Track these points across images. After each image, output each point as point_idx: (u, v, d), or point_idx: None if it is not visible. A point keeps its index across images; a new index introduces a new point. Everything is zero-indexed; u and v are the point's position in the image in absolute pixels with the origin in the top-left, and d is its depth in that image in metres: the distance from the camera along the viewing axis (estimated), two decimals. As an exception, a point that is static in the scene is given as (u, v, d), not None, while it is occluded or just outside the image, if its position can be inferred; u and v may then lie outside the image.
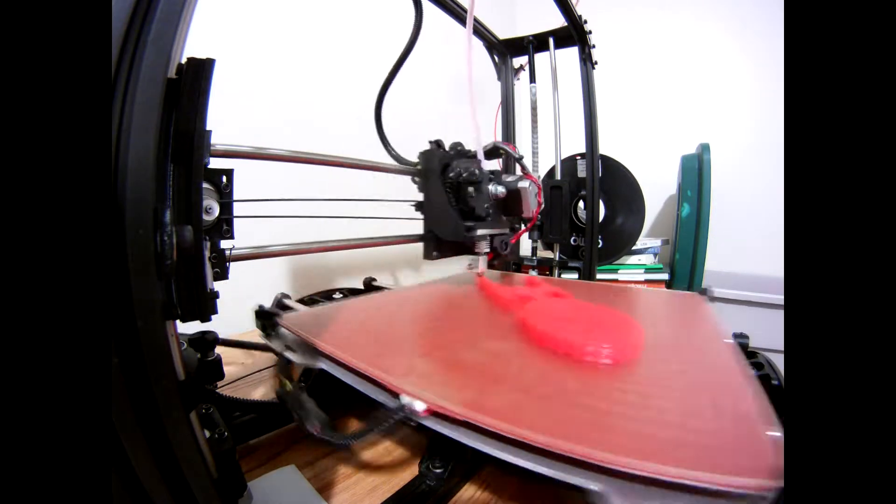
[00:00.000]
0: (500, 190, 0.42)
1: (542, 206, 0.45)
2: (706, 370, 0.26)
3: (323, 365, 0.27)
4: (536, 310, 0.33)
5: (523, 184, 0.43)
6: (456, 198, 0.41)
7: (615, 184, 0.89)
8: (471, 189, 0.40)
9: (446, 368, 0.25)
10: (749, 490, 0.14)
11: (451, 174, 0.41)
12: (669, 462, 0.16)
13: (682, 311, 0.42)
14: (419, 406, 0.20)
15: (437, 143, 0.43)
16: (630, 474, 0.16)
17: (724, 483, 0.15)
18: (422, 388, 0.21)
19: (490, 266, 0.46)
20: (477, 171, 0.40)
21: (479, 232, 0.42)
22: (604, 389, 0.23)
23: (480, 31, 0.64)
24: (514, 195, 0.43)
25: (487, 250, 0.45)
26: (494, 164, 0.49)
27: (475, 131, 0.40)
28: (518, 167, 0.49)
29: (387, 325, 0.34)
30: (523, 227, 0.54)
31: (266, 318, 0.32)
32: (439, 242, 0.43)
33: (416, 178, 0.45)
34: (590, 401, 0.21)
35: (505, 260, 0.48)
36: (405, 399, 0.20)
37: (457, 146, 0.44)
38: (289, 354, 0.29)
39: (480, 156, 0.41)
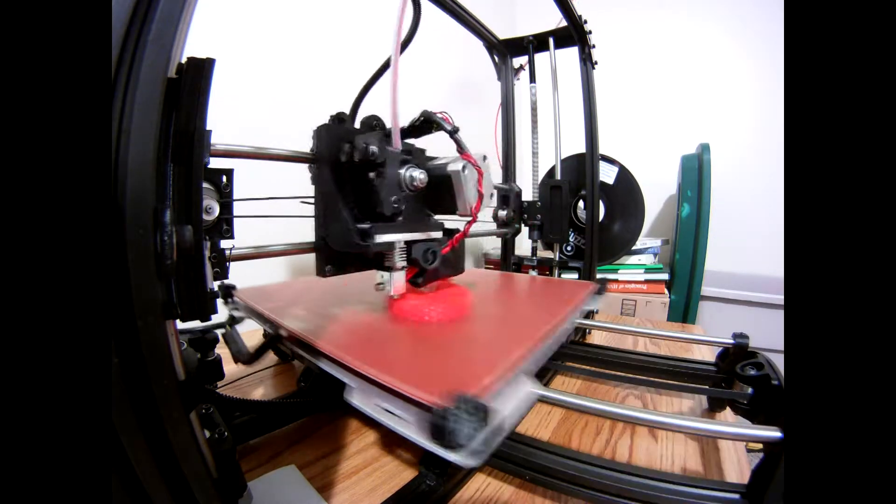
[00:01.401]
0: (419, 176, 0.29)
1: (483, 196, 0.31)
2: (500, 334, 0.33)
3: (251, 317, 0.39)
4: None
5: (454, 166, 0.30)
6: (354, 190, 0.29)
7: (619, 193, 0.89)
8: (371, 175, 0.28)
9: (314, 316, 0.36)
10: (423, 400, 0.20)
11: (342, 157, 0.28)
12: (393, 375, 0.22)
13: (555, 293, 0.48)
14: (283, 332, 0.31)
15: (339, 118, 0.31)
16: (368, 378, 0.23)
17: (411, 392, 0.20)
18: (291, 324, 0.32)
19: (414, 284, 0.34)
20: (375, 149, 0.27)
21: (383, 238, 0.28)
22: (403, 334, 0.31)
23: (480, 30, 0.64)
24: (443, 182, 0.30)
25: (404, 264, 0.31)
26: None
27: (392, 94, 0.27)
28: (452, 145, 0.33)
29: (302, 296, 0.45)
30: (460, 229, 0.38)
31: (225, 290, 0.42)
32: (332, 253, 0.30)
33: (311, 167, 0.32)
34: (384, 337, 0.31)
35: (434, 275, 0.34)
36: (281, 330, 0.31)
37: (371, 120, 0.32)
38: (233, 312, 0.42)
39: (395, 130, 0.28)
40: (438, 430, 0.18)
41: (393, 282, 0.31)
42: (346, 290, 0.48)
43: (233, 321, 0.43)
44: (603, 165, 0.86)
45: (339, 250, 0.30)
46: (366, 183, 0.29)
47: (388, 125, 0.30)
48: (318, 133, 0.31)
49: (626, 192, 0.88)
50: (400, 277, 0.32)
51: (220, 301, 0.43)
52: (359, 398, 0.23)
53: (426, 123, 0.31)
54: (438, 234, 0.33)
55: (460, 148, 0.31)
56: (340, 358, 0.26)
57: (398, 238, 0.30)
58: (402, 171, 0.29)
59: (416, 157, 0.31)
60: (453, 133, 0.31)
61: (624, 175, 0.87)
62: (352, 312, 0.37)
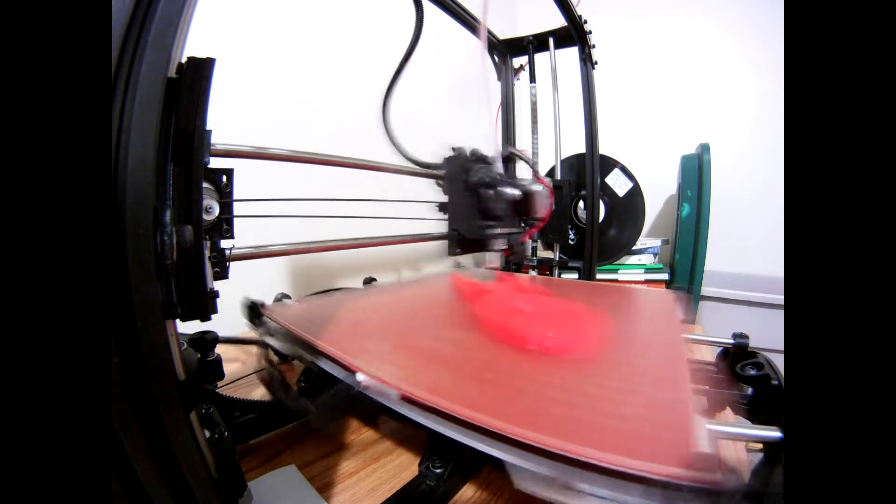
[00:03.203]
0: (516, 193, 0.45)
1: (553, 207, 0.51)
2: (648, 366, 0.26)
3: (298, 348, 0.31)
4: (488, 302, 0.37)
5: (536, 187, 0.47)
6: (476, 200, 0.45)
7: (623, 204, 0.90)
8: (490, 192, 0.43)
9: (394, 350, 0.28)
10: (656, 475, 0.15)
11: (474, 178, 0.44)
12: (575, 441, 0.16)
13: (651, 306, 0.45)
14: (365, 381, 0.23)
15: (459, 150, 0.47)
16: (533, 447, 0.17)
17: (632, 466, 0.15)
18: (371, 365, 0.24)
19: (506, 260, 0.51)
20: (497, 176, 0.44)
21: (497, 230, 0.46)
22: (544, 375, 0.24)
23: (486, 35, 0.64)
24: (528, 197, 0.47)
25: (504, 247, 0.49)
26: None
27: (496, 140, 0.45)
28: (529, 171, 0.54)
29: (356, 315, 0.37)
30: (532, 227, 0.58)
31: (253, 309, 0.36)
32: (462, 240, 0.47)
33: (440, 182, 0.50)
34: (509, 380, 0.24)
35: (519, 256, 0.55)
36: (360, 377, 0.23)
37: (475, 152, 0.48)
38: (268, 340, 0.34)
39: (499, 161, 0.45)
40: None
41: (496, 259, 0.53)
42: (398, 309, 0.42)
43: (268, 351, 0.35)
44: (619, 176, 0.87)
45: (470, 237, 0.46)
46: (485, 195, 0.44)
47: (486, 154, 0.47)
48: (450, 161, 0.47)
49: (630, 206, 0.89)
50: (500, 256, 0.52)
51: (247, 325, 0.36)
52: (535, 482, 0.16)
53: (510, 156, 0.53)
54: (519, 229, 0.51)
55: (536, 174, 0.50)
56: (502, 430, 0.18)
57: (505, 230, 0.47)
58: (507, 189, 0.44)
59: (512, 180, 0.46)
60: (533, 165, 0.50)
61: (635, 190, 0.88)
62: (450, 344, 0.30)
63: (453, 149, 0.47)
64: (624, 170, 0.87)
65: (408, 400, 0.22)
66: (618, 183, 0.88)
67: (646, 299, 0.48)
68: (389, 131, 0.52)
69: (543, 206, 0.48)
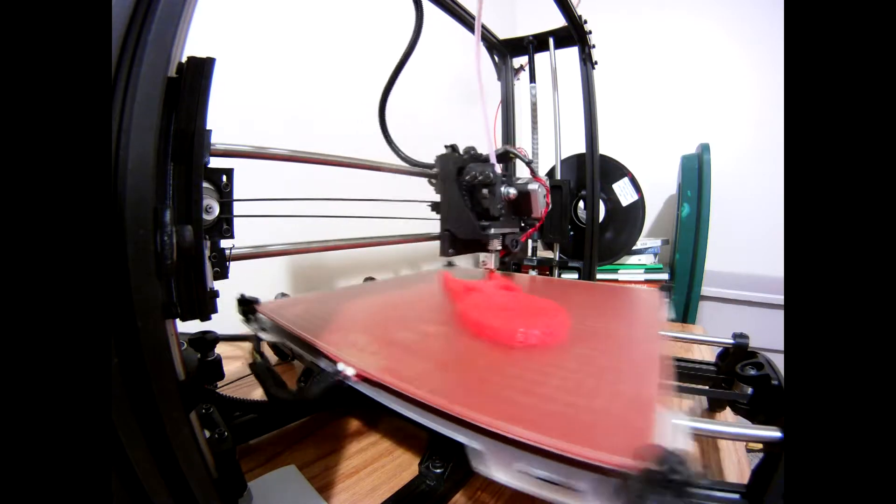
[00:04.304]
0: (512, 192, 0.45)
1: (550, 206, 0.50)
2: (622, 358, 0.28)
3: (286, 341, 0.33)
4: (474, 300, 0.38)
5: (533, 186, 0.46)
6: (471, 199, 0.44)
7: (624, 211, 0.90)
8: (485, 191, 0.43)
9: (380, 344, 0.29)
10: (605, 464, 0.15)
11: (467, 177, 0.44)
12: (538, 430, 0.17)
13: (633, 303, 0.46)
14: (350, 371, 0.25)
15: (453, 148, 0.46)
16: (503, 436, 0.18)
17: (580, 454, 0.16)
18: (356, 357, 0.26)
19: (502, 262, 0.49)
20: (492, 175, 0.42)
21: (493, 231, 0.44)
22: (509, 366, 0.26)
23: (481, 31, 0.64)
24: (524, 196, 0.46)
25: (499, 248, 0.47)
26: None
27: (489, 137, 0.42)
28: (528, 170, 0.51)
29: (344, 310, 0.39)
30: (531, 227, 0.56)
31: (246, 305, 0.39)
32: (455, 241, 0.46)
33: (433, 181, 0.49)
34: (489, 375, 0.25)
35: (515, 257, 0.53)
36: (340, 366, 0.25)
37: (470, 150, 0.47)
38: (261, 334, 0.36)
39: (493, 160, 0.43)
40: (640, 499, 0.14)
41: (491, 259, 0.50)
42: (385, 304, 0.44)
43: (259, 344, 0.39)
44: (626, 185, 0.88)
45: (463, 238, 0.45)
46: (480, 195, 0.43)
47: (481, 152, 0.46)
48: (442, 159, 0.46)
49: (631, 214, 0.89)
50: (496, 257, 0.48)
51: (241, 319, 0.39)
52: (498, 467, 0.18)
53: (506, 154, 0.48)
54: (517, 229, 0.50)
55: (534, 173, 0.48)
56: (465, 416, 0.19)
57: (501, 231, 0.46)
58: (502, 188, 0.44)
59: (508, 179, 0.46)
60: (529, 163, 0.48)
61: (638, 203, 0.88)
62: (427, 337, 0.31)
63: (446, 147, 0.46)
64: (633, 181, 0.87)
65: (364, 379, 0.24)
66: (624, 192, 0.88)
67: (633, 298, 0.48)
68: (387, 132, 0.51)
69: (540, 205, 0.47)
